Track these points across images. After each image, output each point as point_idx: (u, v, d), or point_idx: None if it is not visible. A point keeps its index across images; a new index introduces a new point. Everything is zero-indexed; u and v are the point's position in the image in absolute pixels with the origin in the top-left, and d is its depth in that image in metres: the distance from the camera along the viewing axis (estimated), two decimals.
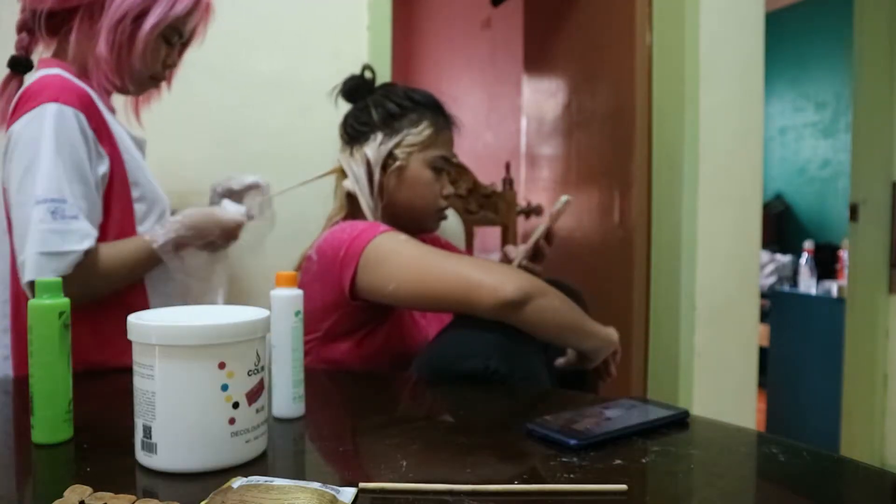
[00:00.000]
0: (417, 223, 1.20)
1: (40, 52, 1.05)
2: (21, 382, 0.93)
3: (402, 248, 1.01)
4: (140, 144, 1.10)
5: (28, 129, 0.90)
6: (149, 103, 1.18)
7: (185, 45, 1.10)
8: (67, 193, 0.90)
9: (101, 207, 0.98)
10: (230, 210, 1.06)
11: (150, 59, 1.02)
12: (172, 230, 1.00)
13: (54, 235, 0.89)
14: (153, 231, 1.00)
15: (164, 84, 1.12)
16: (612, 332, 1.08)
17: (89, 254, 0.92)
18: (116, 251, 0.98)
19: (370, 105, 1.17)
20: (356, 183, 1.15)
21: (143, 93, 1.11)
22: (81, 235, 0.91)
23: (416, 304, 1.04)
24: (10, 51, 1.03)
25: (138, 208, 1.03)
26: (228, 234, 1.05)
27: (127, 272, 0.99)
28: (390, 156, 1.15)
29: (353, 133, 1.17)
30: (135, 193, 1.02)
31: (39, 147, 0.90)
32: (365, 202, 1.14)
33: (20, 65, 1.03)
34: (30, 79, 0.97)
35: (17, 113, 0.92)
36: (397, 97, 1.16)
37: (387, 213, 1.17)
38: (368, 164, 1.14)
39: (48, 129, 0.90)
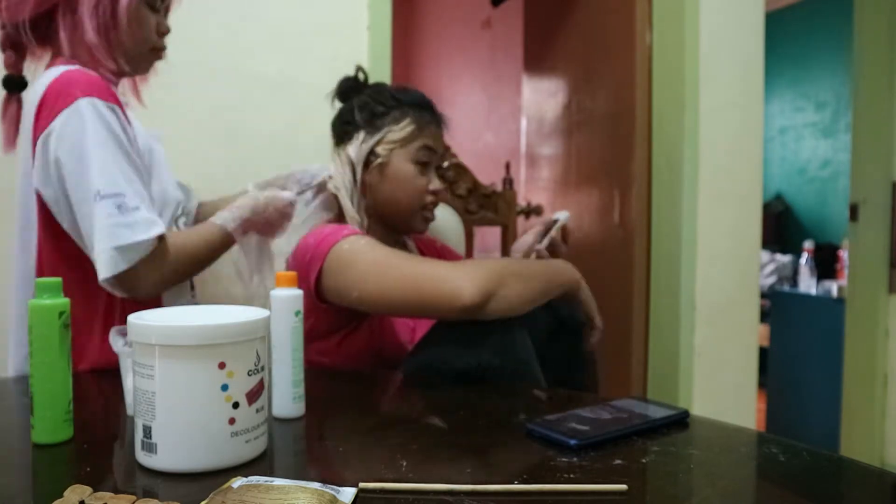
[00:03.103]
0: (404, 221, 1.18)
1: (34, 69, 1.03)
2: (20, 381, 0.93)
3: (363, 252, 1.00)
4: (157, 140, 1.10)
5: (68, 127, 0.90)
6: (146, 81, 1.16)
7: (167, 8, 1.07)
8: (124, 185, 0.91)
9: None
10: (283, 194, 1.11)
11: (139, 31, 1.00)
12: (239, 213, 1.04)
13: (124, 229, 0.89)
14: (220, 216, 1.03)
15: (161, 57, 1.09)
16: (567, 274, 1.08)
17: (161, 240, 0.93)
18: (188, 236, 0.99)
19: (354, 105, 1.17)
20: (339, 183, 1.15)
21: (148, 69, 1.09)
22: (148, 224, 0.91)
23: (381, 310, 1.04)
24: None
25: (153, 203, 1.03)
26: (284, 215, 1.10)
27: (201, 257, 1.00)
28: (371, 153, 1.14)
29: (340, 133, 1.17)
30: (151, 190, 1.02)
31: (85, 144, 0.89)
32: (345, 202, 1.14)
33: (15, 84, 1.02)
34: (45, 79, 0.94)
35: (47, 112, 0.91)
36: (382, 97, 1.16)
37: (372, 212, 1.17)
38: (352, 164, 1.14)
39: (89, 124, 0.90)
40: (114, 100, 0.94)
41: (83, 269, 0.96)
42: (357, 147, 1.14)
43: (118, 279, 0.91)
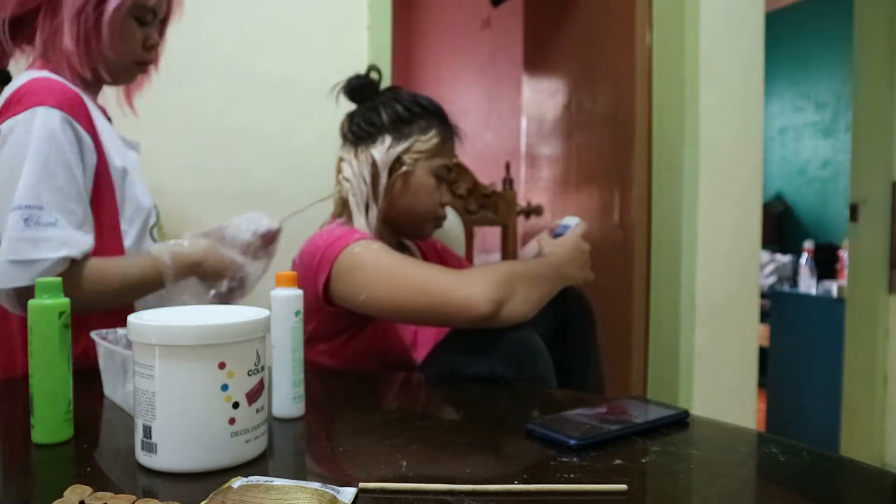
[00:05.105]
0: (415, 228, 1.20)
1: (23, 64, 1.02)
2: (20, 383, 0.93)
3: (375, 258, 1.01)
4: (134, 148, 1.07)
5: (14, 133, 0.88)
6: (141, 89, 1.14)
7: (164, 21, 1.05)
8: (46, 199, 0.87)
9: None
10: (240, 236, 1.03)
11: (122, 45, 0.98)
12: (179, 251, 0.96)
13: (25, 244, 0.85)
14: (158, 249, 0.96)
15: (152, 67, 1.08)
16: (566, 269, 1.08)
17: (72, 262, 0.88)
18: (115, 265, 0.94)
19: (379, 106, 1.16)
20: (355, 183, 1.14)
21: (131, 80, 1.07)
22: (58, 243, 0.86)
23: (388, 317, 1.04)
24: None
25: (123, 216, 0.99)
26: (219, 274, 1.01)
27: (126, 288, 0.94)
28: (398, 160, 1.14)
29: (360, 133, 1.16)
30: (119, 200, 0.99)
31: (24, 152, 0.87)
32: (356, 203, 1.13)
33: None
34: (16, 83, 0.94)
35: (4, 114, 0.90)
36: (406, 101, 1.15)
37: (385, 216, 1.17)
38: (374, 166, 1.14)
39: (35, 133, 0.87)
40: (75, 113, 0.91)
41: None
42: (384, 151, 1.13)
43: (17, 295, 0.87)
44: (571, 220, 1.16)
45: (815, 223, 4.13)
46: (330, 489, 0.53)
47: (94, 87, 1.03)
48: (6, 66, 1.02)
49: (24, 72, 0.98)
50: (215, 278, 1.01)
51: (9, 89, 0.93)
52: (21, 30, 0.98)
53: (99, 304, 0.94)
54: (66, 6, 0.93)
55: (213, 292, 1.02)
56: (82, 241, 0.89)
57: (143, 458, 0.60)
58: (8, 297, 0.88)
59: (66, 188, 0.89)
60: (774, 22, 2.50)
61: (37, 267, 0.85)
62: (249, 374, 0.61)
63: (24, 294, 0.86)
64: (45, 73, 0.94)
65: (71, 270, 0.89)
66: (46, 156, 0.88)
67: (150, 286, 0.96)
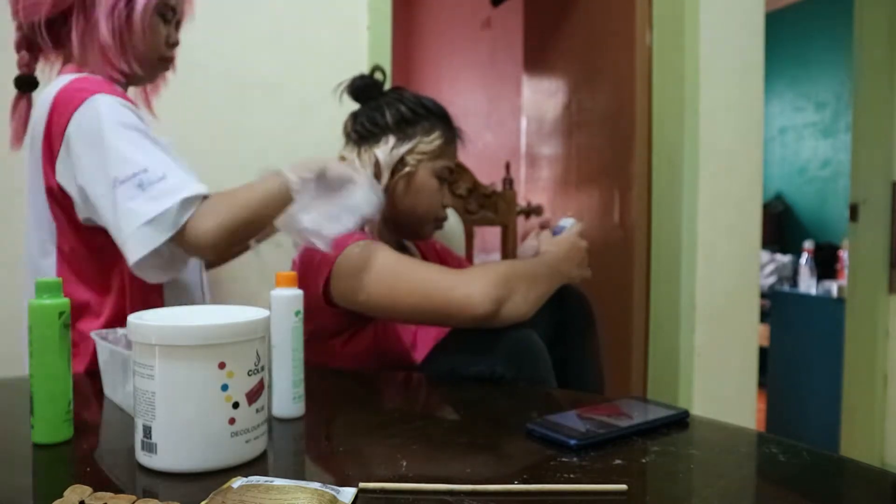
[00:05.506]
0: (416, 229, 1.20)
1: (48, 69, 1.05)
2: (19, 382, 0.93)
3: (375, 258, 1.00)
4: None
5: (84, 122, 0.90)
6: (157, 93, 1.18)
7: (178, 21, 1.09)
8: (145, 162, 0.88)
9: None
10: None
11: (151, 39, 1.02)
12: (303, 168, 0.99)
13: (147, 204, 0.86)
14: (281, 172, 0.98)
15: (170, 68, 1.11)
16: (552, 258, 1.08)
17: (197, 202, 0.89)
18: (238, 189, 0.95)
19: (384, 107, 1.16)
20: None
21: (156, 78, 1.11)
22: (175, 189, 0.87)
23: (388, 317, 1.04)
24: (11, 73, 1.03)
25: None
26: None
27: (258, 207, 0.93)
28: (401, 161, 1.14)
29: (364, 133, 1.16)
30: None
31: (101, 134, 0.89)
32: None
33: (27, 83, 1.03)
34: (52, 87, 0.96)
35: (62, 114, 0.91)
36: (410, 102, 1.15)
37: (387, 216, 1.17)
38: (377, 166, 1.13)
39: (104, 114, 0.89)
40: (127, 99, 0.95)
41: (103, 260, 0.97)
42: (387, 152, 1.13)
43: (156, 258, 0.88)
44: (567, 222, 1.16)
45: (815, 223, 4.13)
46: (330, 489, 0.53)
47: (123, 86, 1.06)
48: (34, 71, 1.04)
49: (57, 76, 1.00)
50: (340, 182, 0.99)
51: (49, 91, 0.94)
52: (55, 31, 1.00)
53: (238, 231, 0.93)
54: (100, 3, 0.97)
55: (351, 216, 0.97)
56: (195, 183, 0.90)
57: (143, 458, 0.60)
58: (153, 266, 0.89)
59: (155, 148, 0.92)
60: (774, 22, 2.50)
61: (167, 217, 0.86)
62: (249, 374, 0.61)
63: (181, 240, 0.88)
64: (83, 74, 0.97)
65: (200, 208, 0.90)
66: (124, 128, 0.90)
67: (279, 200, 0.95)
